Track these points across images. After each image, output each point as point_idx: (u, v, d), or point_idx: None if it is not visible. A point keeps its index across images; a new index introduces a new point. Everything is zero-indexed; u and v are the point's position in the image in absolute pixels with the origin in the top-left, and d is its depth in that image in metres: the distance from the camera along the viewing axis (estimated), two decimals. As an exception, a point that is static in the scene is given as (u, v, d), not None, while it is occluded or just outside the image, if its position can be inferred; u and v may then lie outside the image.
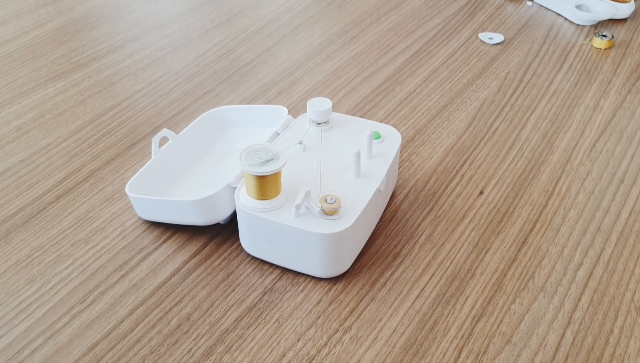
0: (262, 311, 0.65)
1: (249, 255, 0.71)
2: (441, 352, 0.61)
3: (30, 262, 0.71)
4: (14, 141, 0.90)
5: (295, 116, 0.94)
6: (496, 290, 0.67)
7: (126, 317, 0.64)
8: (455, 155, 0.86)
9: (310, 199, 0.65)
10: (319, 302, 0.66)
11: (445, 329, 0.63)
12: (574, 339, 0.62)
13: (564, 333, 0.62)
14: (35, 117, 0.94)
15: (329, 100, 0.76)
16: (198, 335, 0.63)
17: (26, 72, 1.05)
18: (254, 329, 0.63)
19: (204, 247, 0.72)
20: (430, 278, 0.68)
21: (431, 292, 0.67)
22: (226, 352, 0.61)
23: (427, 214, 0.76)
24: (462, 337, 0.62)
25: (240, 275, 0.69)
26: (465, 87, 1.00)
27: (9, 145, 0.89)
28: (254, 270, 0.69)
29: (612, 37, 1.10)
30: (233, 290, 0.67)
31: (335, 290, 0.67)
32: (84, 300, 0.66)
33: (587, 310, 0.65)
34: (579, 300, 0.66)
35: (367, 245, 0.72)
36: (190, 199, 0.68)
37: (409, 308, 0.65)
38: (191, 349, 0.61)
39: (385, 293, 0.67)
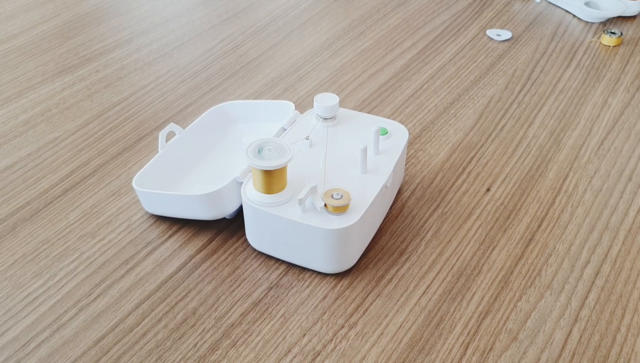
0: (268, 307, 0.65)
1: (255, 250, 0.71)
2: (447, 349, 0.61)
3: (37, 256, 0.71)
4: (21, 135, 0.90)
5: (302, 112, 0.94)
6: (503, 287, 0.67)
7: (132, 311, 0.65)
8: (462, 152, 0.86)
9: (316, 195, 0.65)
10: (324, 298, 0.66)
11: (451, 326, 0.63)
12: (581, 337, 0.62)
13: (570, 331, 0.62)
14: (42, 112, 0.95)
15: (336, 96, 0.76)
16: (204, 329, 0.63)
17: (33, 66, 1.06)
18: (260, 324, 0.63)
19: (210, 242, 0.72)
20: (437, 275, 0.68)
21: (437, 289, 0.67)
22: (232, 347, 0.61)
23: (434, 211, 0.76)
24: (468, 333, 0.62)
25: (246, 270, 0.69)
26: (473, 84, 1.00)
27: (16, 139, 0.89)
28: (259, 265, 0.69)
29: (621, 34, 1.10)
30: (239, 285, 0.67)
31: (341, 286, 0.67)
32: (90, 294, 0.66)
33: (594, 307, 0.65)
34: (586, 297, 0.66)
35: (374, 241, 0.72)
36: (196, 193, 0.68)
37: (415, 304, 0.65)
38: (197, 343, 0.61)
39: (391, 289, 0.67)
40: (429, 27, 1.16)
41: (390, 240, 0.72)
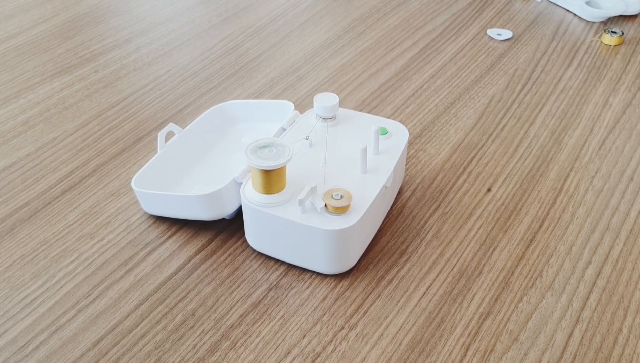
0: (268, 308, 0.65)
1: (254, 250, 0.71)
2: (447, 350, 0.60)
3: (36, 256, 0.71)
4: (20, 135, 0.90)
5: (301, 112, 0.94)
6: (503, 288, 0.66)
7: (131, 312, 0.64)
8: (462, 152, 0.85)
9: (316, 195, 0.64)
10: (324, 299, 0.65)
11: (451, 327, 0.62)
12: (582, 338, 0.61)
13: (572, 332, 0.62)
14: (41, 112, 0.94)
15: (336, 95, 0.75)
16: (203, 330, 0.62)
17: (32, 66, 1.05)
18: (259, 325, 0.63)
19: (210, 243, 0.72)
20: (437, 276, 0.68)
21: (438, 290, 0.66)
22: (231, 348, 0.61)
23: (434, 211, 0.76)
24: (469, 335, 0.62)
25: (246, 271, 0.69)
26: (473, 84, 0.99)
27: (15, 139, 0.89)
28: (259, 266, 0.69)
29: (622, 33, 1.09)
30: (238, 286, 0.67)
31: (341, 287, 0.67)
32: (89, 295, 0.66)
33: (595, 309, 0.64)
34: (588, 298, 0.65)
35: (374, 241, 0.72)
36: (196, 194, 0.68)
37: (415, 305, 0.65)
38: (196, 345, 0.61)
39: (392, 290, 0.66)
40: (430, 26, 1.16)
41: (390, 241, 0.72)
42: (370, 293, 0.66)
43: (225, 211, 0.70)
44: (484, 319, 0.63)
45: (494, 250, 0.71)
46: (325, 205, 0.64)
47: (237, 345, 0.61)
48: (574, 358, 0.60)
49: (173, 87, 0.99)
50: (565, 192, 0.78)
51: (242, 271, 0.69)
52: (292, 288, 0.67)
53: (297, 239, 0.65)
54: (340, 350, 0.61)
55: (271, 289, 0.67)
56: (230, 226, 0.74)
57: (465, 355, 0.60)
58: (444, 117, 0.92)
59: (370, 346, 0.61)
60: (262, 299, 0.66)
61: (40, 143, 0.88)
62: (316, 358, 0.60)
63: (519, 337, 0.62)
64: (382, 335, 0.62)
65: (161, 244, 0.72)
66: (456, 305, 0.65)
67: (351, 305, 0.65)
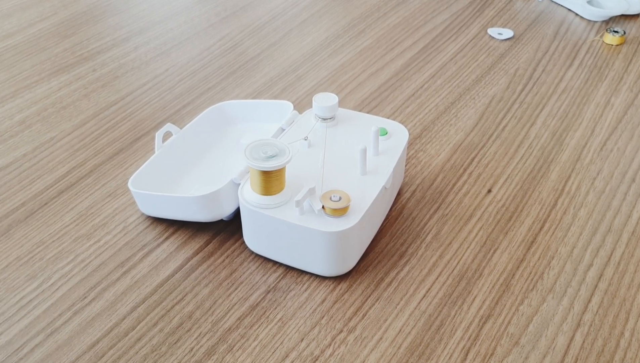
0: (265, 310, 0.64)
1: (252, 252, 0.70)
2: (447, 354, 0.60)
3: (32, 258, 0.70)
4: (17, 134, 0.89)
5: (300, 112, 0.93)
6: (504, 291, 0.66)
7: (127, 315, 0.64)
8: (463, 152, 0.84)
9: (314, 197, 0.64)
10: (323, 301, 0.65)
11: (451, 330, 0.62)
12: (584, 342, 0.61)
13: (573, 336, 0.61)
14: (38, 111, 0.94)
15: (335, 95, 0.75)
16: (200, 333, 0.62)
17: (30, 65, 1.05)
18: (257, 328, 0.62)
19: (207, 244, 0.71)
20: (437, 278, 0.67)
21: (438, 292, 0.66)
22: (228, 352, 0.60)
23: (434, 212, 0.75)
24: (469, 338, 0.61)
25: (244, 273, 0.68)
26: (474, 84, 0.99)
27: (12, 139, 0.88)
28: (257, 267, 0.68)
29: (624, 33, 1.09)
30: (236, 288, 0.66)
31: (340, 289, 0.66)
32: (85, 297, 0.65)
33: (597, 312, 0.63)
34: (589, 301, 0.64)
35: (373, 243, 0.71)
36: (193, 195, 0.67)
37: (415, 308, 0.64)
38: (193, 348, 0.60)
39: (391, 292, 0.66)
40: (430, 25, 1.15)
41: (389, 243, 0.71)
42: (369, 296, 0.65)
43: (223, 212, 0.69)
44: (484, 322, 0.62)
45: (494, 252, 0.70)
46: (323, 207, 0.63)
47: (234, 348, 0.60)
48: (576, 362, 0.59)
49: (171, 87, 0.99)
50: (566, 193, 0.78)
51: (239, 273, 0.68)
52: (290, 291, 0.66)
53: (295, 241, 0.64)
54: (338, 353, 0.60)
55: (269, 291, 0.66)
56: (228, 228, 0.73)
57: (465, 359, 0.59)
58: (444, 118, 0.91)
59: (369, 349, 0.60)
60: (260, 301, 0.65)
61: (37, 142, 0.87)
62: (314, 362, 0.59)
63: (519, 340, 0.61)
64: (381, 338, 0.61)
65: (158, 245, 0.71)
66: (456, 307, 0.64)
67: (350, 307, 0.64)
